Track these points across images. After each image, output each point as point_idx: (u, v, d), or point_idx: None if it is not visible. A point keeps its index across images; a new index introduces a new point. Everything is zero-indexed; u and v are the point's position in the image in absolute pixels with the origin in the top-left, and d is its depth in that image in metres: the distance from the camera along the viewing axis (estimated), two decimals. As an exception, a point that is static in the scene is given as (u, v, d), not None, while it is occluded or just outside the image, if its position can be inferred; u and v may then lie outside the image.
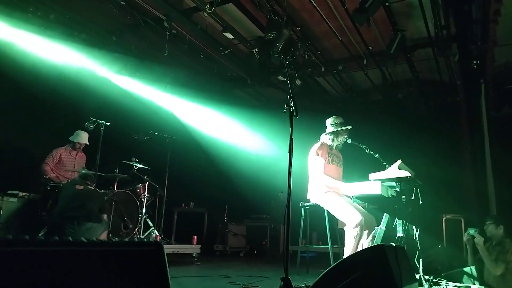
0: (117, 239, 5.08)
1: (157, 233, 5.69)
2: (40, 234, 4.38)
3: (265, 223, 7.57)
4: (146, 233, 5.61)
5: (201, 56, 6.46)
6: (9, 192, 4.48)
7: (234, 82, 7.52)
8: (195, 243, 5.89)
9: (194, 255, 5.63)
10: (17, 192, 4.53)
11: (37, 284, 0.79)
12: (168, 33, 5.64)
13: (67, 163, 5.51)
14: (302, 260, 4.54)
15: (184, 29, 5.77)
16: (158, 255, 0.99)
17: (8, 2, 4.92)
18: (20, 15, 5.07)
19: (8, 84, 5.42)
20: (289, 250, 2.46)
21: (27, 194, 4.64)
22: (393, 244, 2.70)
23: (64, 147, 5.56)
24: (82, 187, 4.50)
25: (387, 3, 4.92)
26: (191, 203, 7.66)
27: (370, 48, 5.99)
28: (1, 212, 4.23)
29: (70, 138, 5.58)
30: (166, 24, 5.40)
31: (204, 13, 5.04)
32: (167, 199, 6.22)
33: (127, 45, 6.19)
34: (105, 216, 4.58)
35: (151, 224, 5.79)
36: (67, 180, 5.26)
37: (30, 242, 0.81)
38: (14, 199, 4.45)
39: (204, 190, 7.78)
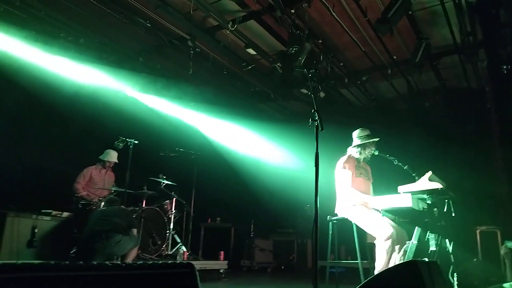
0: (146, 255, 5.15)
1: (185, 249, 5.72)
2: (71, 252, 4.50)
3: (292, 237, 7.48)
4: (174, 249, 5.65)
5: (225, 72, 6.57)
6: (42, 211, 4.63)
7: (257, 97, 7.58)
8: (222, 259, 5.88)
9: (221, 271, 5.62)
10: (51, 211, 4.68)
11: None
12: (192, 52, 5.77)
13: (97, 181, 5.67)
14: (331, 275, 4.44)
15: (208, 47, 5.89)
16: (191, 277, 1.00)
17: (42, 30, 5.17)
18: (53, 41, 5.32)
19: (42, 106, 5.67)
20: (317, 266, 2.42)
21: (60, 212, 4.78)
22: (426, 259, 2.61)
23: (94, 166, 5.73)
24: (106, 207, 4.70)
25: (410, 12, 4.87)
26: (218, 218, 7.68)
27: (394, 57, 5.92)
28: (36, 231, 4.37)
29: (100, 157, 5.76)
30: (190, 43, 5.53)
31: (227, 30, 5.14)
32: (193, 214, 6.27)
33: (153, 65, 6.37)
34: (135, 231, 4.63)
35: (178, 240, 5.83)
36: (98, 198, 5.40)
37: (68, 267, 0.83)
38: (48, 218, 4.59)
39: (230, 205, 7.80)
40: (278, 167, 7.70)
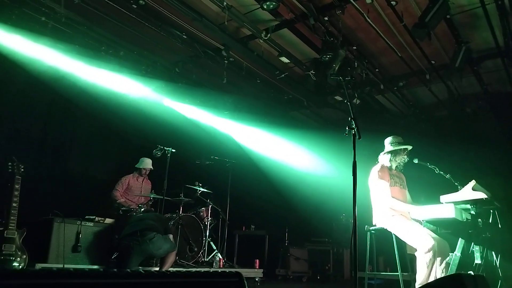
0: (183, 262, 5.25)
1: (220, 257, 5.78)
2: (112, 257, 4.66)
3: (327, 247, 7.36)
4: (210, 256, 5.72)
5: (258, 81, 6.63)
6: (86, 217, 4.84)
7: (290, 104, 7.58)
8: (257, 267, 5.88)
9: (256, 279, 5.62)
10: (94, 217, 4.88)
11: None
12: (226, 61, 5.87)
13: (134, 189, 5.86)
14: (370, 287, 4.33)
15: (241, 57, 5.97)
16: (240, 286, 1.01)
17: (85, 44, 5.44)
18: (95, 54, 5.59)
19: (86, 117, 5.96)
20: (357, 277, 2.37)
21: (102, 219, 4.98)
22: (472, 272, 2.49)
23: (131, 174, 5.94)
24: (141, 214, 4.87)
25: (448, 16, 4.73)
26: (252, 226, 7.69)
27: (433, 62, 5.75)
28: (80, 236, 4.56)
29: (136, 165, 5.95)
30: (224, 53, 5.64)
31: (260, 40, 5.19)
32: (229, 222, 6.32)
33: (189, 75, 6.53)
34: (170, 237, 4.71)
35: (214, 247, 5.90)
36: (136, 205, 5.57)
37: (116, 275, 0.87)
38: (91, 224, 4.79)
39: (264, 213, 7.80)
40: (312, 174, 7.63)
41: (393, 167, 4.01)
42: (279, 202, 7.70)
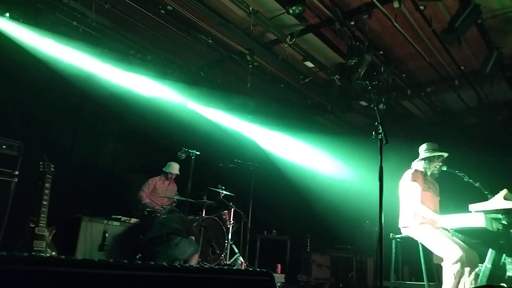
0: (206, 264, 5.28)
1: (242, 260, 5.78)
2: (137, 257, 4.74)
3: (350, 254, 7.24)
4: (232, 259, 5.73)
5: (282, 85, 6.63)
6: (113, 216, 4.95)
7: (314, 109, 7.54)
8: (279, 272, 5.86)
9: (278, 284, 5.59)
10: (120, 216, 4.98)
11: None
12: (250, 66, 5.90)
13: (160, 191, 5.95)
14: (394, 296, 4.25)
15: (266, 61, 5.99)
16: (270, 284, 1.02)
17: (114, 48, 5.60)
18: (123, 58, 5.74)
19: (114, 119, 6.12)
20: (383, 286, 2.33)
21: (128, 218, 5.08)
22: (505, 285, 2.40)
23: (158, 176, 6.04)
24: (166, 216, 4.91)
25: (479, 21, 4.61)
26: (273, 231, 7.66)
27: (462, 68, 5.61)
28: (107, 235, 4.67)
29: (163, 169, 6.06)
30: (248, 58, 5.67)
31: (285, 44, 5.20)
32: (251, 226, 6.33)
33: (214, 79, 6.61)
34: (193, 238, 4.78)
35: (236, 250, 5.91)
36: (161, 206, 5.66)
37: (151, 268, 0.89)
38: (117, 223, 4.90)
39: (286, 218, 7.75)
40: (335, 180, 7.56)
41: (428, 174, 3.93)
42: (301, 208, 7.65)
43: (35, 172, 4.00)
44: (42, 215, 3.85)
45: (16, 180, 3.87)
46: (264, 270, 1.07)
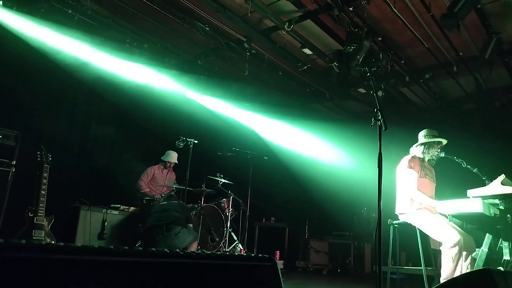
0: (205, 251, 5.31)
1: (241, 247, 5.82)
2: (137, 245, 4.77)
3: (348, 240, 7.31)
4: (231, 247, 5.77)
5: (280, 73, 6.59)
6: (112, 205, 4.96)
7: (312, 97, 7.51)
8: (278, 259, 5.91)
9: (277, 270, 5.63)
10: (119, 205, 4.99)
11: None
12: (248, 54, 5.86)
13: (159, 180, 5.95)
14: (392, 281, 4.29)
15: (263, 48, 5.95)
16: (273, 270, 1.02)
17: (110, 36, 5.53)
18: (119, 46, 5.68)
19: (110, 108, 6.07)
20: (382, 271, 2.34)
21: (127, 207, 5.08)
22: (502, 268, 2.42)
23: (157, 165, 6.04)
24: (166, 202, 4.89)
25: (479, 5, 4.57)
26: (272, 218, 7.71)
27: (461, 54, 5.57)
28: (106, 224, 4.69)
29: (162, 157, 6.05)
30: (246, 45, 5.62)
31: (283, 31, 5.15)
32: (249, 213, 6.36)
33: (211, 67, 6.56)
34: (191, 226, 4.78)
35: (235, 237, 5.95)
36: (160, 195, 5.67)
37: (153, 254, 0.88)
38: (116, 212, 4.91)
39: (284, 205, 7.81)
40: (333, 167, 7.58)
41: (426, 159, 3.93)
42: (300, 195, 7.70)
43: (32, 162, 3.98)
44: (41, 204, 3.85)
45: (14, 170, 3.85)
46: (266, 255, 1.07)
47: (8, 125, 3.97)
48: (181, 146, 5.59)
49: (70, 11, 4.91)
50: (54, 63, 5.04)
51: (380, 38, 5.39)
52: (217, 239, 5.62)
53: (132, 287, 0.80)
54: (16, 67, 4.98)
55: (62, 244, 0.75)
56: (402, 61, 5.98)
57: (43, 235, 3.81)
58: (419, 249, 3.68)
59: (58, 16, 4.96)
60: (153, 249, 0.84)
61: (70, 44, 5.26)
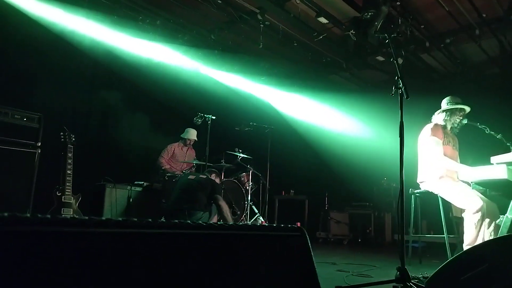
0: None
1: (263, 220, 5.93)
2: (161, 220, 4.90)
3: (369, 210, 7.33)
4: (253, 219, 5.89)
5: (295, 44, 6.47)
6: (135, 182, 5.09)
7: (329, 68, 7.38)
8: (298, 230, 5.98)
9: (298, 241, 5.73)
10: (142, 182, 5.11)
11: (198, 263, 0.89)
12: (262, 26, 5.76)
13: (179, 157, 6.04)
14: (414, 250, 4.32)
15: (277, 19, 5.82)
16: (302, 239, 1.05)
17: (123, 15, 5.51)
18: (133, 25, 5.66)
19: (127, 87, 6.13)
20: (404, 240, 2.36)
21: (150, 184, 5.20)
22: (527, 234, 2.40)
23: (177, 143, 6.11)
24: (194, 177, 4.73)
25: (504, -38, 4.33)
26: (291, 191, 7.78)
27: (484, 15, 5.33)
28: (131, 201, 4.83)
29: (181, 135, 6.11)
30: (259, 17, 5.52)
31: (297, 0, 5.02)
32: (269, 187, 6.43)
33: (225, 42, 6.49)
34: (219, 197, 4.64)
35: (256, 210, 6.05)
36: (181, 171, 5.77)
37: (183, 226, 0.91)
38: (140, 189, 5.04)
39: (303, 178, 7.83)
40: (352, 138, 7.52)
41: (448, 127, 3.86)
42: (318, 167, 7.70)
43: (57, 143, 4.09)
44: (67, 183, 3.98)
45: (39, 152, 3.97)
46: (296, 226, 1.09)
47: (31, 108, 4.06)
48: (199, 123, 5.62)
49: (82, -9, 4.90)
50: (69, 44, 5.09)
51: (398, 3, 5.20)
52: (238, 212, 5.73)
53: (168, 257, 0.83)
54: (34, 51, 5.04)
55: (102, 218, 0.78)
56: (422, 26, 5.78)
57: (71, 212, 3.96)
58: (440, 217, 3.67)
59: (70, -4, 4.97)
60: (189, 221, 0.87)
61: (85, 24, 5.28)
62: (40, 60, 5.12)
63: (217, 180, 5.00)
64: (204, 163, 5.43)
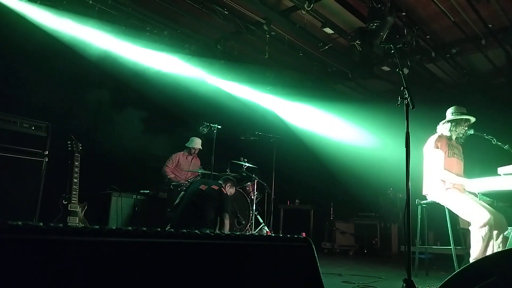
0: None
1: (268, 229, 5.90)
2: (166, 229, 4.89)
3: (374, 221, 7.28)
4: (257, 229, 5.86)
5: (300, 54, 6.50)
6: (141, 191, 5.10)
7: (335, 77, 7.40)
8: (303, 240, 5.94)
9: (303, 252, 5.68)
10: (148, 191, 5.13)
11: (204, 273, 0.89)
12: (267, 36, 5.81)
13: (183, 166, 6.07)
14: (420, 262, 4.27)
15: (283, 30, 5.87)
16: (309, 250, 1.04)
17: (130, 25, 5.58)
18: (140, 35, 5.73)
19: (136, 98, 6.18)
20: (410, 251, 2.34)
21: (156, 193, 5.21)
22: (536, 246, 2.37)
23: (182, 152, 6.14)
24: (205, 187, 4.58)
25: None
26: (296, 201, 7.75)
27: (490, 25, 5.34)
28: (136, 209, 4.84)
29: (186, 144, 6.14)
30: (265, 27, 5.58)
31: (303, 11, 5.06)
32: (274, 196, 6.41)
33: (231, 52, 6.54)
34: (226, 216, 4.57)
35: (261, 220, 6.03)
36: (185, 180, 5.78)
37: (187, 235, 0.92)
38: (145, 197, 5.05)
39: (309, 187, 7.81)
40: (358, 148, 7.49)
41: (453, 137, 3.84)
42: (324, 177, 7.67)
43: (64, 152, 4.12)
44: (74, 192, 4.00)
45: (47, 160, 4.00)
46: (302, 236, 1.09)
47: (36, 117, 4.10)
48: (205, 132, 5.65)
49: (90, 2, 4.97)
50: (79, 54, 5.16)
51: (404, 13, 5.21)
52: (243, 222, 5.71)
53: (176, 267, 0.84)
54: (43, 60, 5.11)
55: (107, 227, 0.79)
56: (428, 36, 5.79)
57: (77, 221, 3.97)
58: (447, 229, 3.63)
59: (80, 7, 5.05)
60: (196, 231, 0.88)
61: (93, 34, 5.35)
62: (49, 69, 5.19)
63: (232, 190, 4.97)
64: (210, 172, 5.44)
